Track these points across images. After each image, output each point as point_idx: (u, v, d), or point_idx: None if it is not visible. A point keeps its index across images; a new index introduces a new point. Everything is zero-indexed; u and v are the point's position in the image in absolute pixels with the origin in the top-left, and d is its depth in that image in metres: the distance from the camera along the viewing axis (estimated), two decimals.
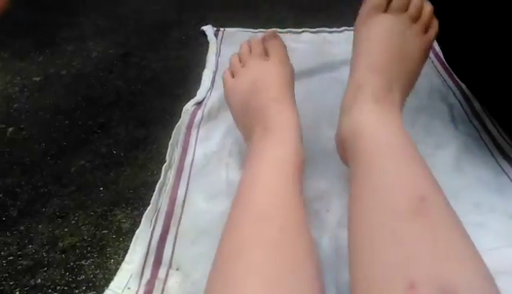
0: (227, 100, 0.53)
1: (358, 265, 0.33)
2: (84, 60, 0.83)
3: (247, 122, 0.49)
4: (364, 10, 0.48)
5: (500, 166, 0.53)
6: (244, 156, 0.48)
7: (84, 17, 1.00)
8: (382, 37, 0.45)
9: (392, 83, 0.43)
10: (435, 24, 0.47)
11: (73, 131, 0.63)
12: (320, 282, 0.34)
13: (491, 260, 0.41)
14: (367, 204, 0.35)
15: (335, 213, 0.48)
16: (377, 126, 0.40)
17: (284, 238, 0.34)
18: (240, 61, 0.54)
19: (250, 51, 0.54)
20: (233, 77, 0.53)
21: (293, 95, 0.49)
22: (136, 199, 0.51)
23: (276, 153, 0.42)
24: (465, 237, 0.31)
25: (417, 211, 0.31)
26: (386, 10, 0.47)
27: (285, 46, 0.54)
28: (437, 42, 0.64)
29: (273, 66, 0.51)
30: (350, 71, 0.47)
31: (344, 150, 0.43)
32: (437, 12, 0.48)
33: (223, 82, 0.54)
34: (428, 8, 0.47)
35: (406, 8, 0.46)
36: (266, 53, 0.53)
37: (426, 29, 0.47)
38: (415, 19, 0.46)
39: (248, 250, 0.33)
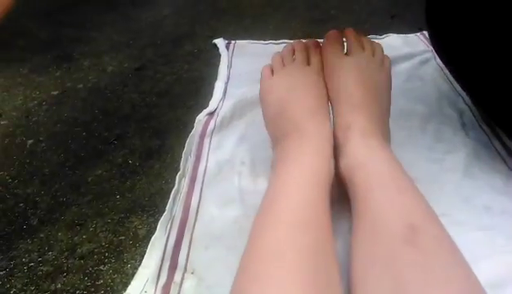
0: (262, 96, 0.53)
1: (356, 287, 0.34)
2: (100, 74, 0.86)
3: (281, 126, 0.49)
4: (327, 60, 0.52)
5: (511, 171, 0.53)
6: (273, 159, 0.49)
7: (99, 32, 1.03)
8: (353, 76, 0.49)
9: (374, 116, 0.47)
10: (386, 57, 0.53)
11: (90, 142, 0.65)
12: (341, 289, 0.35)
13: (503, 264, 0.41)
14: (366, 234, 0.37)
15: (346, 220, 0.48)
16: (369, 162, 0.43)
17: (318, 248, 0.35)
18: (282, 61, 0.54)
19: (293, 54, 0.55)
20: (272, 74, 0.53)
21: (327, 108, 0.50)
22: (152, 207, 0.53)
23: (311, 162, 0.43)
24: (456, 261, 0.33)
25: (408, 240, 0.33)
26: (346, 53, 0.53)
27: None
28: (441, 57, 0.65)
29: (313, 75, 0.51)
30: (334, 112, 0.50)
31: (344, 188, 0.45)
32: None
33: (261, 75, 0.54)
34: (378, 46, 0.54)
35: (363, 48, 0.53)
36: (308, 60, 0.54)
37: (382, 62, 0.52)
38: (372, 54, 0.52)
39: (285, 253, 0.33)
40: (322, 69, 0.53)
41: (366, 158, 0.43)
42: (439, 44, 0.57)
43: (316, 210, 0.38)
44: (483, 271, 0.40)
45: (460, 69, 0.56)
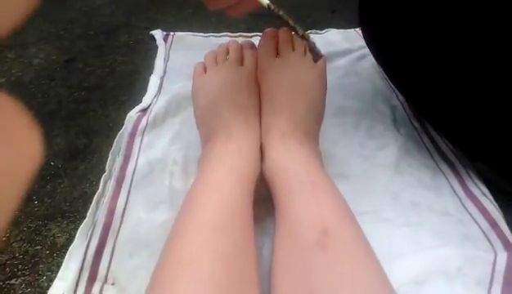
0: (194, 93, 0.52)
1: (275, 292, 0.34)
2: (25, 67, 0.79)
3: (210, 126, 0.48)
4: (259, 61, 0.52)
5: (438, 166, 0.55)
6: (199, 159, 0.47)
7: (27, 22, 0.95)
8: (280, 79, 0.49)
9: (297, 118, 0.46)
10: (322, 56, 0.52)
11: None
12: None
13: (426, 260, 0.42)
14: (283, 236, 0.37)
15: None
16: (287, 162, 0.42)
17: (235, 253, 0.34)
18: (216, 59, 0.54)
19: (227, 53, 0.54)
20: (205, 72, 0.53)
21: (258, 107, 0.50)
22: (73, 212, 0.49)
23: (235, 162, 0.42)
24: (366, 262, 0.33)
25: (320, 243, 0.33)
26: (277, 55, 0.52)
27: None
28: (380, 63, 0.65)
29: (246, 74, 0.51)
30: (261, 113, 0.49)
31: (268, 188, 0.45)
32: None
33: (194, 73, 0.53)
34: (310, 46, 0.52)
35: (293, 48, 0.52)
36: (241, 60, 0.53)
37: (315, 60, 0.52)
38: (303, 54, 0.51)
39: (199, 261, 0.32)
40: (256, 69, 0.52)
41: (284, 160, 0.43)
42: (371, 39, 0.57)
43: (236, 212, 0.37)
44: (406, 267, 0.41)
45: (390, 64, 0.56)
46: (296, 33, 0.48)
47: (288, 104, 0.47)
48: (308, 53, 0.52)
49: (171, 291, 0.30)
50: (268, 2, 0.45)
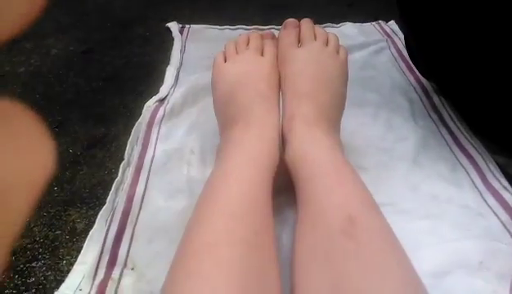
0: (213, 82, 0.52)
1: (296, 285, 0.34)
2: (43, 57, 0.80)
3: (229, 113, 0.48)
4: (280, 51, 0.52)
5: (457, 159, 0.54)
6: (218, 147, 0.47)
7: (44, 13, 0.96)
8: (303, 69, 0.49)
9: (321, 107, 0.46)
10: (342, 47, 0.52)
11: None
12: (280, 288, 0.34)
13: (447, 252, 0.42)
14: (307, 224, 0.36)
15: (296, 209, 0.48)
16: (311, 151, 0.42)
17: (255, 240, 0.34)
18: (236, 49, 0.53)
19: (248, 43, 0.54)
20: (225, 61, 0.52)
21: (278, 96, 0.49)
22: (92, 199, 0.50)
23: (255, 149, 0.42)
24: (393, 251, 0.33)
25: (346, 232, 0.32)
26: (299, 45, 0.51)
27: None
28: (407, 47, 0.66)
29: (267, 64, 0.51)
30: (282, 102, 0.49)
31: (289, 176, 0.45)
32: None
33: (214, 62, 0.53)
34: (333, 36, 0.52)
35: (315, 38, 0.51)
36: (262, 50, 0.53)
37: (336, 52, 0.51)
38: (326, 44, 0.51)
39: (219, 246, 0.32)
40: (276, 59, 0.52)
41: (308, 148, 0.42)
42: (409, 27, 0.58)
43: (256, 200, 0.37)
44: (427, 260, 0.41)
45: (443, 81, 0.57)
46: None
47: (312, 93, 0.46)
48: (330, 43, 0.51)
49: (191, 276, 0.30)
50: None
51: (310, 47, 0.50)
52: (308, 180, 0.39)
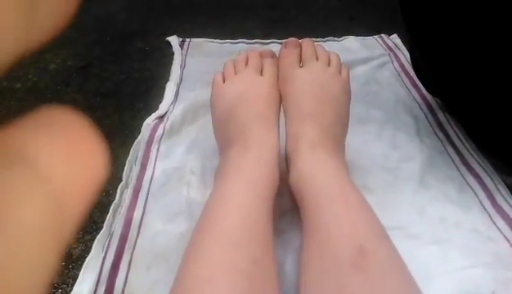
0: (212, 103, 0.51)
1: None
2: (41, 72, 0.79)
3: (227, 133, 0.47)
4: (281, 70, 0.51)
5: (464, 179, 0.53)
6: (216, 169, 0.46)
7: None
8: (305, 88, 0.48)
9: (326, 128, 0.45)
10: (344, 67, 0.52)
11: None
12: None
13: (458, 282, 0.40)
14: (314, 254, 0.35)
15: (299, 232, 0.46)
16: (317, 173, 0.41)
17: (255, 271, 0.33)
18: (235, 68, 0.52)
19: (246, 62, 0.53)
20: (224, 81, 0.51)
21: (278, 116, 0.48)
22: (89, 223, 0.48)
23: (254, 172, 0.40)
24: (405, 283, 0.32)
25: (356, 264, 0.31)
26: (301, 65, 0.51)
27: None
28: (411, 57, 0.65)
29: (266, 82, 0.50)
30: (286, 122, 0.48)
31: (294, 199, 0.44)
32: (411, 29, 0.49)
33: (213, 83, 0.52)
34: (335, 56, 0.52)
35: (316, 58, 0.51)
36: (261, 70, 0.52)
37: (338, 71, 0.51)
38: (327, 64, 0.50)
39: (216, 280, 0.30)
40: (276, 79, 0.51)
41: (313, 171, 0.41)
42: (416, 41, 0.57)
43: (255, 226, 0.36)
44: (438, 290, 0.39)
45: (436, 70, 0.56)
46: None
47: (315, 114, 0.45)
48: (332, 63, 0.51)
49: None
50: None
51: (312, 68, 0.50)
52: (314, 205, 0.38)
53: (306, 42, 0.52)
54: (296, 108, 0.47)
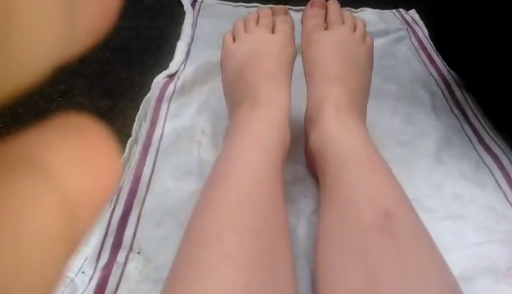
0: (222, 63, 0.50)
1: (323, 283, 0.31)
2: None
3: (237, 93, 0.45)
4: (305, 31, 0.49)
5: (481, 158, 0.52)
6: (225, 130, 0.45)
7: None
8: (331, 51, 0.46)
9: (351, 92, 0.44)
10: (369, 35, 0.50)
11: (30, 98, 0.57)
12: (295, 274, 0.32)
13: (473, 257, 0.40)
14: (336, 216, 0.34)
15: (312, 200, 0.45)
16: (343, 138, 0.40)
17: (265, 227, 0.32)
18: (245, 27, 0.50)
19: (257, 21, 0.51)
20: (234, 41, 0.50)
21: (290, 76, 0.46)
22: None
23: (263, 130, 0.39)
24: (431, 251, 0.31)
25: (382, 228, 0.30)
26: (326, 28, 0.49)
27: (293, 26, 0.50)
28: (429, 30, 0.63)
29: (277, 41, 0.47)
30: (308, 86, 0.47)
31: (314, 164, 0.43)
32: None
33: (223, 42, 0.50)
34: (361, 21, 0.51)
35: (342, 22, 0.50)
36: (273, 28, 0.50)
37: (363, 38, 0.49)
38: (353, 29, 0.49)
39: (226, 235, 0.29)
40: (289, 37, 0.49)
41: (339, 134, 0.40)
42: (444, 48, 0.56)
43: (265, 184, 0.35)
44: (453, 263, 0.38)
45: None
46: None
47: (341, 78, 0.44)
48: (358, 29, 0.49)
49: (195, 266, 0.28)
50: None
51: (337, 31, 0.48)
52: (338, 169, 0.37)
53: (332, 5, 0.50)
54: (321, 70, 0.45)
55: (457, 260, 0.39)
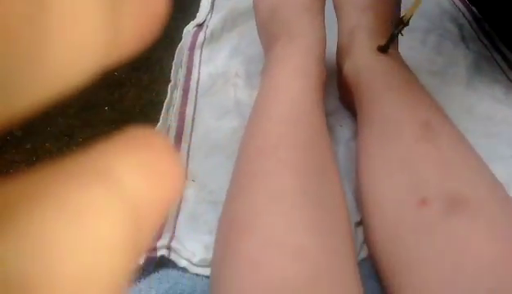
0: (254, 4, 0.50)
1: (369, 193, 0.33)
2: None
3: (272, 30, 0.46)
4: None
5: (511, 82, 0.53)
6: (262, 68, 0.46)
7: None
8: None
9: (382, 18, 0.44)
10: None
11: None
12: (342, 188, 0.34)
13: (508, 167, 0.42)
14: (374, 137, 0.36)
15: (349, 128, 0.47)
16: (377, 63, 0.40)
17: (313, 142, 0.34)
18: None
19: None
20: None
21: (323, 9, 0.47)
22: (143, 117, 0.50)
23: (302, 61, 0.40)
24: (472, 154, 0.32)
25: (423, 136, 0.32)
26: None
27: None
28: None
29: None
30: (338, 18, 0.47)
31: (348, 93, 0.44)
32: None
33: None
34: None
35: None
36: None
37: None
38: None
39: (278, 149, 0.32)
40: None
41: (373, 60, 0.41)
42: None
43: (308, 105, 0.37)
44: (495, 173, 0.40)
45: None
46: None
47: (373, 5, 0.44)
48: None
49: (257, 175, 0.30)
50: None
51: None
52: (374, 92, 0.38)
53: None
54: (351, 1, 0.46)
55: (494, 170, 0.41)
